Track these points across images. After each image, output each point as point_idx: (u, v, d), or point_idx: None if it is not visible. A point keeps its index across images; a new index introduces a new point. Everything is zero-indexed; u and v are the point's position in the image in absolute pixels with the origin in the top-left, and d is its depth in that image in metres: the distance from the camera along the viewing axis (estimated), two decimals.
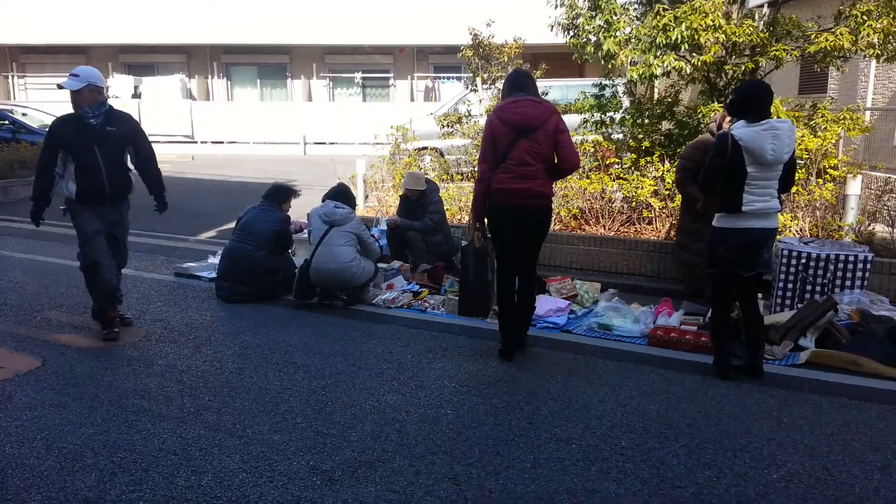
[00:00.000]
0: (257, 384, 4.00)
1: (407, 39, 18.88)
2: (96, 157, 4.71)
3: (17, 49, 20.42)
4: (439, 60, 19.82)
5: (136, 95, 19.51)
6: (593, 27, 7.26)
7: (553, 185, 4.51)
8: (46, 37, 19.36)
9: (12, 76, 20.99)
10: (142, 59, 20.50)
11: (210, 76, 20.59)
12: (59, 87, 4.75)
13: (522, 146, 4.14)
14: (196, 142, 19.44)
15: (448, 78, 19.14)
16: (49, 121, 15.11)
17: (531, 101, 4.23)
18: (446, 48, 18.50)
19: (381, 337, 4.98)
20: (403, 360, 4.49)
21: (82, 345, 4.65)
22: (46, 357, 4.39)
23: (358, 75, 20.13)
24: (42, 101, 18.83)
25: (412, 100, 19.74)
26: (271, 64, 20.44)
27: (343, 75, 20.34)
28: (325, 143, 18.98)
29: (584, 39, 7.45)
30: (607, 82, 7.91)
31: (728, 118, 4.96)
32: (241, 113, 19.79)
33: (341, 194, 5.96)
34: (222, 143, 19.46)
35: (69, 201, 4.86)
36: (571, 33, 7.63)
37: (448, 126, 9.19)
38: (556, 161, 4.24)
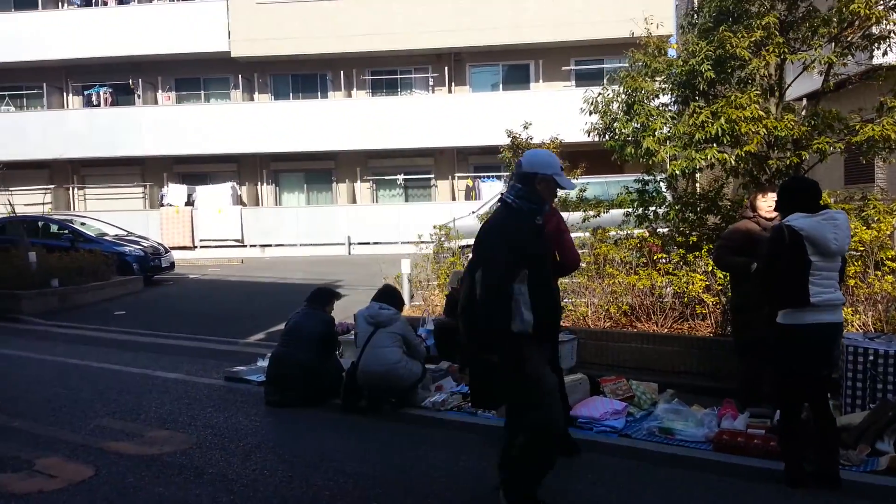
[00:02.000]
0: (308, 494, 3.91)
1: (447, 142, 19.54)
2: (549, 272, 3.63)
3: (79, 162, 21.74)
4: (479, 160, 20.38)
5: (190, 203, 20.41)
6: (630, 130, 7.41)
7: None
8: (106, 150, 20.61)
9: (73, 188, 22.25)
10: (195, 169, 21.58)
11: (259, 183, 21.50)
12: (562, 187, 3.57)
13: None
14: (245, 245, 20.06)
15: (488, 177, 19.59)
16: (106, 229, 15.89)
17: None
18: (485, 149, 19.04)
19: (431, 442, 4.85)
20: (455, 467, 4.35)
21: (135, 453, 4.64)
22: (99, 466, 4.38)
23: (400, 177, 20.78)
24: (99, 211, 19.83)
25: (453, 199, 20.18)
26: (317, 169, 21.30)
27: (386, 177, 21.02)
28: (368, 244, 19.37)
29: (622, 142, 7.60)
30: (649, 177, 7.97)
31: (761, 197, 4.97)
32: (288, 216, 20.47)
33: (387, 295, 6.00)
34: (270, 245, 20.04)
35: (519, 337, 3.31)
36: (608, 136, 7.80)
37: None
38: (557, 258, 4.32)
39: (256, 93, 21.27)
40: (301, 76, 21.21)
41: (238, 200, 20.89)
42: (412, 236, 18.64)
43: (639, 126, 7.27)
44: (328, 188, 21.52)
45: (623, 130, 7.43)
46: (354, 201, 20.92)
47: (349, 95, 20.82)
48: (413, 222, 19.10)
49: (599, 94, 7.80)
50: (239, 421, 5.36)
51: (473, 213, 12.80)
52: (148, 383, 6.58)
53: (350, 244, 19.40)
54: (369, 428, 5.22)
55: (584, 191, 8.76)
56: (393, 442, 4.86)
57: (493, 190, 17.90)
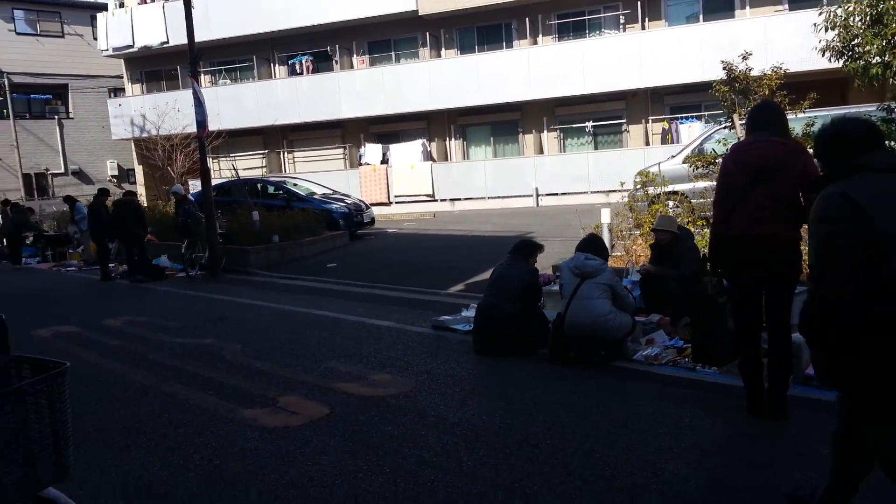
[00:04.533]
0: (529, 442, 3.92)
1: (640, 83, 18.45)
2: None
3: (287, 128, 23.65)
4: (676, 101, 19.04)
5: (385, 161, 21.43)
6: (876, 48, 6.39)
7: (800, 229, 3.95)
8: (310, 115, 22.20)
9: (283, 152, 24.31)
10: (388, 129, 22.54)
11: (448, 138, 21.95)
12: None
13: (761, 189, 3.79)
14: (436, 199, 20.71)
15: (686, 118, 18.27)
16: (314, 188, 17.19)
17: (771, 142, 3.86)
18: (685, 87, 17.73)
19: (649, 396, 4.65)
20: (680, 423, 4.13)
21: (363, 394, 4.97)
22: (333, 405, 4.75)
23: (589, 124, 20.09)
24: (306, 172, 21.51)
25: (647, 143, 19.14)
26: (503, 121, 21.25)
27: (573, 126, 20.45)
28: (556, 195, 19.07)
29: (863, 63, 6.59)
30: None
31: None
32: (476, 170, 20.74)
33: (592, 245, 5.82)
34: (459, 199, 20.50)
35: None
36: (846, 57, 6.80)
37: (702, 167, 8.65)
38: (804, 204, 3.76)
39: (443, 49, 21.56)
40: (486, 28, 21.10)
41: (428, 156, 21.52)
42: (601, 185, 18.21)
43: (888, 42, 6.24)
44: (514, 140, 21.42)
45: (866, 48, 6.43)
46: (541, 152, 20.63)
47: (535, 43, 20.37)
48: (603, 170, 18.53)
49: (838, 6, 6.79)
50: (451, 367, 5.53)
51: (673, 156, 12.01)
52: (364, 330, 7.03)
53: (538, 195, 19.24)
54: (581, 380, 5.13)
55: (812, 125, 7.79)
56: (608, 395, 4.73)
57: (692, 132, 16.69)
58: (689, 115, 18.42)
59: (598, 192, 17.96)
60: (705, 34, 17.48)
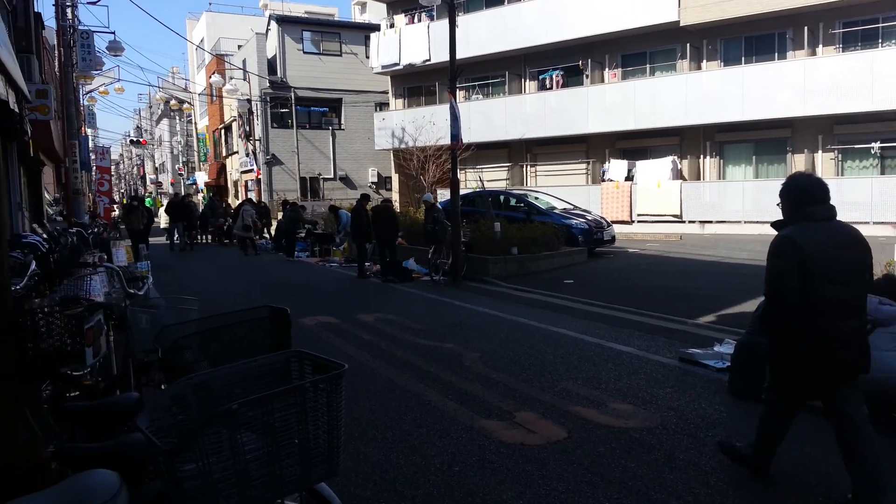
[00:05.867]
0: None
1: None
2: None
3: (532, 141, 23.97)
4: None
5: (629, 178, 20.71)
6: None
7: None
8: (555, 129, 22.27)
9: (526, 165, 24.68)
10: (636, 144, 21.75)
11: (702, 155, 20.56)
12: None
13: None
14: (683, 221, 19.50)
15: None
16: (554, 203, 17.14)
17: None
18: None
19: None
20: None
21: (602, 422, 4.71)
22: (571, 429, 4.55)
23: (875, 145, 17.42)
24: (546, 186, 21.56)
25: None
26: (769, 139, 19.32)
27: (855, 146, 17.90)
28: None
29: None
30: None
31: None
32: (733, 191, 19.11)
33: (888, 287, 4.93)
34: (710, 222, 19.07)
35: None
36: None
37: None
38: None
39: (704, 61, 20.27)
40: (754, 38, 19.38)
41: (678, 175, 20.37)
42: (889, 215, 15.67)
43: None
44: (781, 159, 19.36)
45: None
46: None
47: (813, 53, 18.23)
48: (891, 198, 15.99)
49: None
50: (702, 407, 5.02)
51: None
52: (603, 353, 6.72)
53: None
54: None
55: None
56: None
57: None
58: None
59: (884, 222, 15.54)
60: None
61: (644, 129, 20.62)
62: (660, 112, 19.90)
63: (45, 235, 8.61)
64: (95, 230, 15.57)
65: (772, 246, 3.41)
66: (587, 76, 22.50)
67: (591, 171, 22.87)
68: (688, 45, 20.26)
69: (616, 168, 21.20)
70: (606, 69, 22.22)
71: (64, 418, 3.03)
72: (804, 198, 3.40)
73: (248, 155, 31.86)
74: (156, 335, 3.01)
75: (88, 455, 2.09)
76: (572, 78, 23.07)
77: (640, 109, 20.29)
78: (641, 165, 20.74)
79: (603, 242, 15.77)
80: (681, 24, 19.34)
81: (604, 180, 21.30)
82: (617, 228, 17.42)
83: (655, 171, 20.33)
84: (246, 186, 33.16)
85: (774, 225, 3.58)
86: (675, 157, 20.60)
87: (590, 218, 16.35)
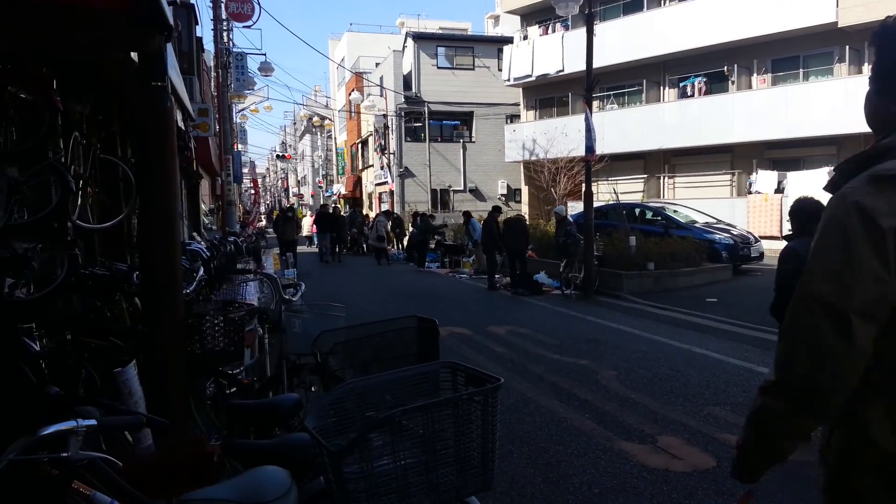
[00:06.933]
0: None
1: None
2: None
3: (670, 152, 23.01)
4: None
5: (780, 190, 19.36)
6: None
7: None
8: (696, 139, 21.26)
9: (663, 176, 23.72)
10: (787, 154, 20.30)
11: None
12: None
13: None
14: None
15: None
16: (695, 216, 16.34)
17: None
18: None
19: None
20: None
21: None
22: (720, 458, 4.28)
23: None
24: (685, 198, 20.60)
25: None
26: None
27: None
28: None
29: None
30: None
31: None
32: None
33: None
34: None
35: None
36: None
37: None
38: None
39: (866, 64, 18.60)
40: None
41: None
42: None
43: None
44: None
45: None
46: None
47: None
48: None
49: None
50: None
51: None
52: (753, 378, 6.28)
53: None
54: None
55: None
56: None
57: None
58: None
59: None
60: None
61: (796, 137, 19.22)
62: (815, 119, 18.47)
63: (203, 244, 9.37)
64: (247, 238, 16.77)
65: (781, 254, 4.48)
66: (732, 82, 21.33)
67: (736, 183, 21.60)
68: (847, 46, 18.69)
69: (764, 179, 19.87)
70: (755, 74, 20.95)
71: (225, 414, 3.24)
72: (808, 217, 4.32)
73: (382, 168, 33.08)
74: (314, 340, 3.15)
75: (258, 451, 2.22)
76: (715, 84, 21.96)
77: (793, 116, 18.93)
78: (793, 177, 19.29)
79: (750, 259, 14.83)
80: (839, 25, 17.88)
81: (750, 192, 20.02)
82: (765, 244, 16.31)
83: (809, 183, 18.76)
84: (380, 198, 34.43)
85: (786, 237, 4.64)
86: (832, 168, 19.02)
87: (735, 233, 15.44)
